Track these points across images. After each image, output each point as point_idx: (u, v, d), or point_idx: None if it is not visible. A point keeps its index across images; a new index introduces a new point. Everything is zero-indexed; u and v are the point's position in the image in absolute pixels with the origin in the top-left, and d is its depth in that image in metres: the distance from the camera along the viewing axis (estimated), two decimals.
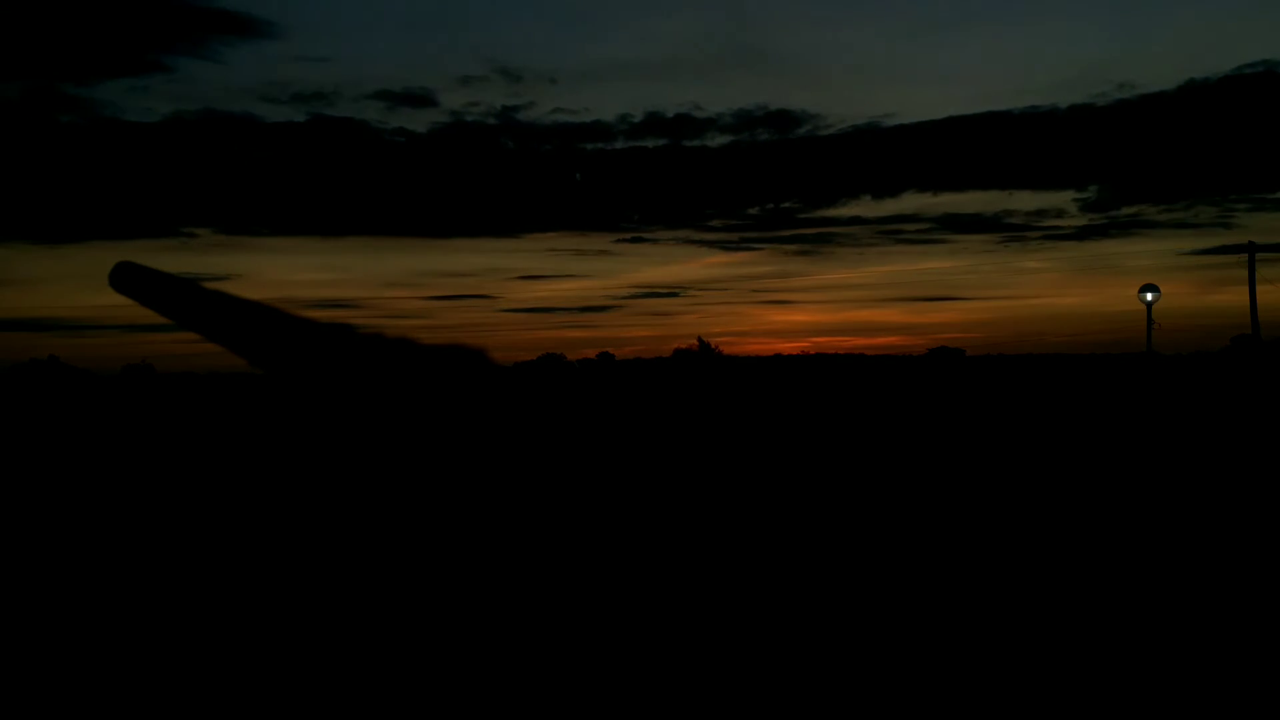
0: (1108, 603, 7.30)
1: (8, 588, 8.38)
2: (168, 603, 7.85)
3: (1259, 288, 34.43)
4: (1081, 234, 72.48)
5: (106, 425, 21.51)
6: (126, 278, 1.80)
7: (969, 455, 15.70)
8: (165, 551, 9.75)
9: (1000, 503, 11.50)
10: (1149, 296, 34.61)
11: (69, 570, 9.09)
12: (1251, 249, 35.04)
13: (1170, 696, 5.40)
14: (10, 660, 6.45)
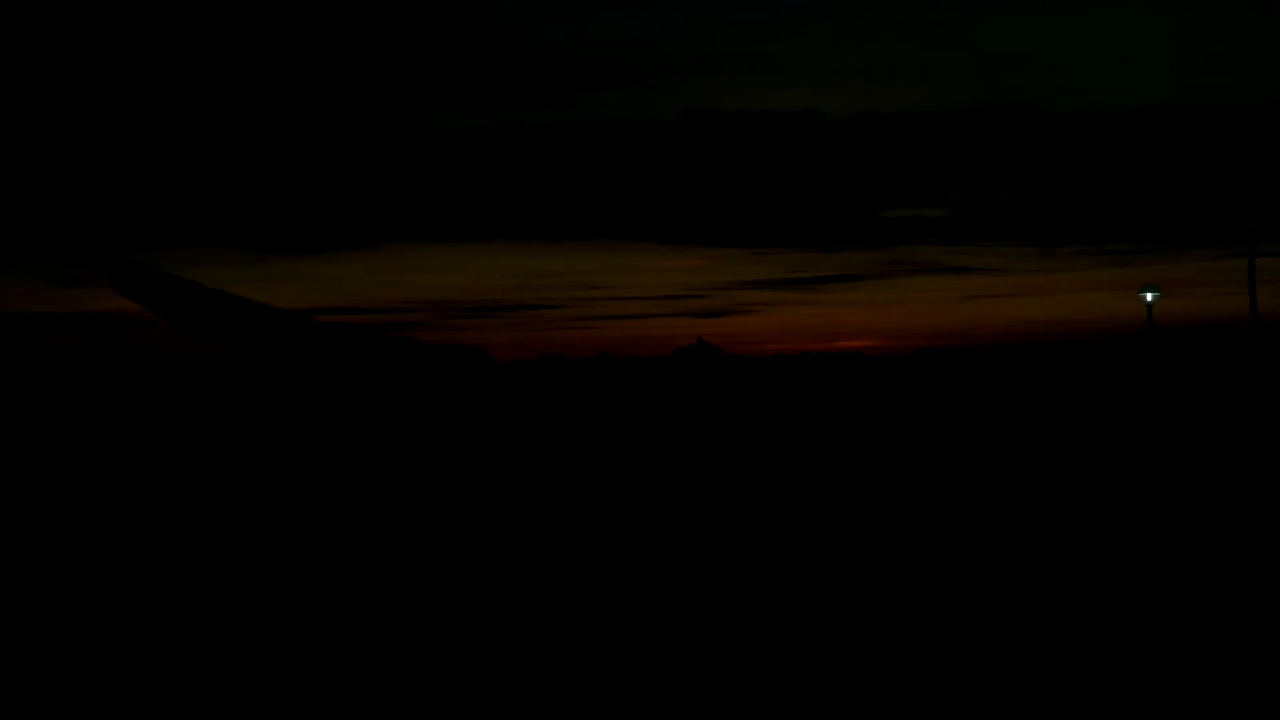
0: (1111, 589, 7.30)
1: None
2: (171, 597, 7.86)
3: (1259, 287, 34.83)
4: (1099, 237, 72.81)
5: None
6: (126, 278, 1.80)
7: (965, 449, 15.70)
8: (178, 546, 9.77)
9: (1000, 495, 11.50)
10: (1149, 297, 34.90)
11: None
12: (1252, 245, 35.47)
13: (1174, 691, 5.40)
14: (14, 657, 6.45)
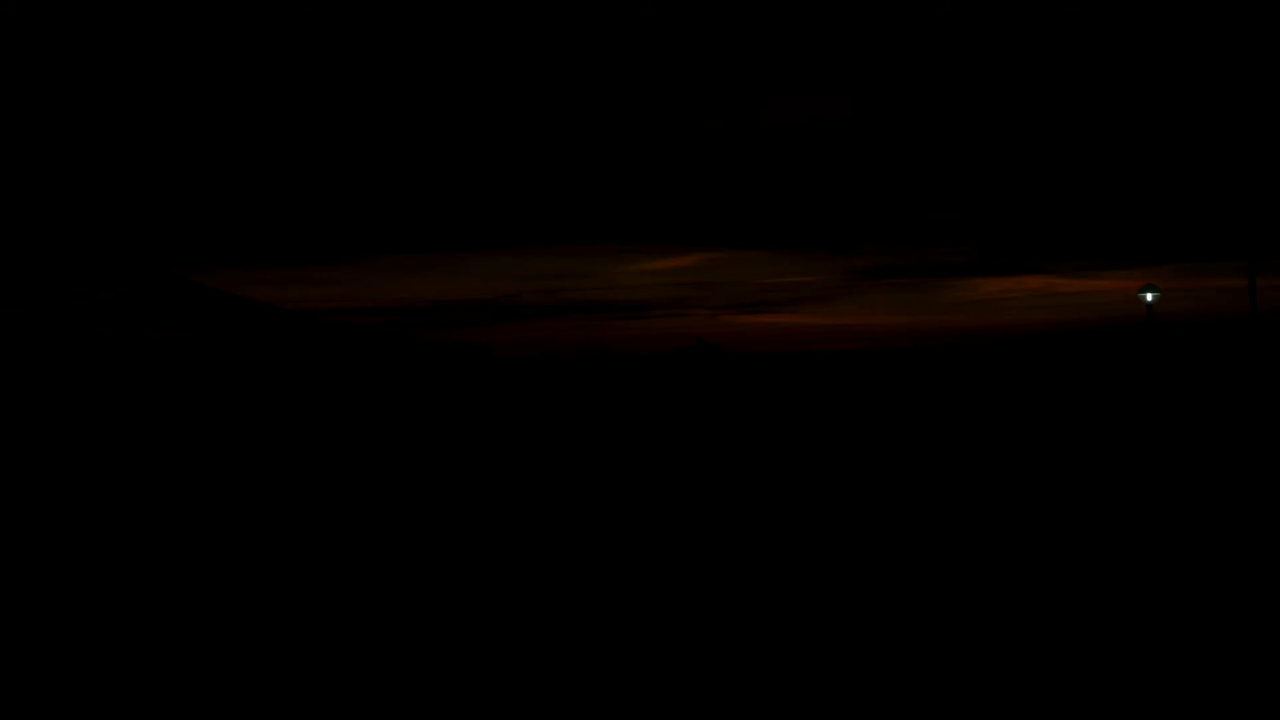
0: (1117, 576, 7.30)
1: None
2: (174, 594, 7.86)
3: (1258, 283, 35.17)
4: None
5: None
6: (125, 277, 1.79)
7: (965, 449, 15.70)
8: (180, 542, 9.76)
9: (1000, 494, 11.49)
10: (1149, 297, 35.30)
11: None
12: (1253, 241, 35.83)
13: (1173, 685, 5.39)
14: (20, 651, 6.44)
